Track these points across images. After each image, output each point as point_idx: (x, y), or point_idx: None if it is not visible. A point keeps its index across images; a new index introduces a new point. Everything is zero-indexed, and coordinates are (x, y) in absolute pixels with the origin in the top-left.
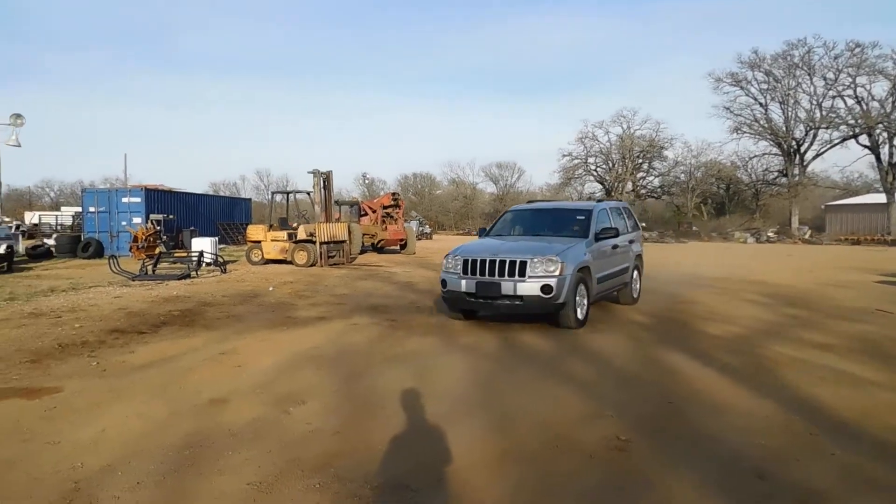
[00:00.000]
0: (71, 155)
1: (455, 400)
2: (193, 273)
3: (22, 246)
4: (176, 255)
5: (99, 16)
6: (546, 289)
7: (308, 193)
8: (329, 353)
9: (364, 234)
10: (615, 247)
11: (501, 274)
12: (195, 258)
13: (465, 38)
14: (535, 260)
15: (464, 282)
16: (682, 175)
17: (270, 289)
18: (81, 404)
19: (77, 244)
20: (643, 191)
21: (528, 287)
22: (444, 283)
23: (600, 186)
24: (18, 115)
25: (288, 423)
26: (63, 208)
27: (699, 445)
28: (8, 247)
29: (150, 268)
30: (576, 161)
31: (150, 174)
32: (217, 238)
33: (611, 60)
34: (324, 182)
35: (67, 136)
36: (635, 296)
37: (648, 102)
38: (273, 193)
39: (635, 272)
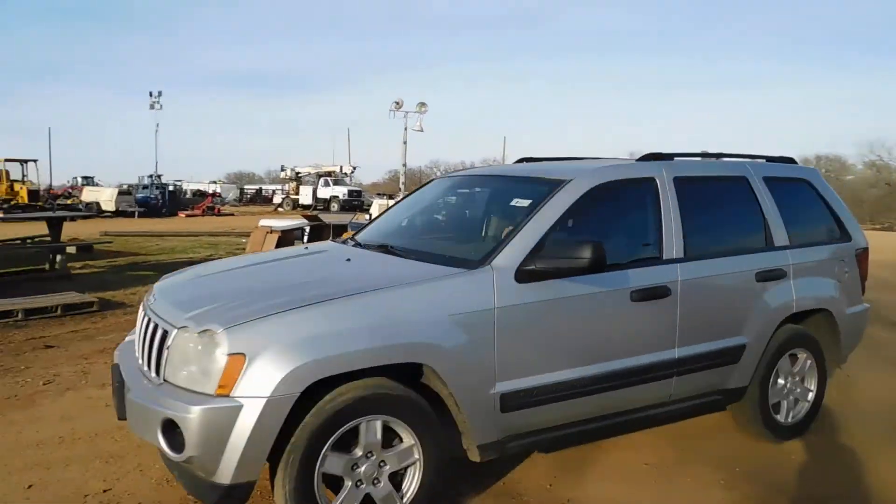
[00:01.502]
0: (455, 137)
1: (886, 420)
2: None
3: None
4: None
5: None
6: (171, 433)
7: None
8: None
9: None
10: (641, 293)
11: (149, 357)
12: None
13: None
14: (176, 334)
15: (117, 354)
16: None
17: None
18: None
19: None
20: None
21: (143, 417)
22: None
23: None
24: (423, 104)
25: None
26: None
27: None
28: None
29: None
30: None
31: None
32: None
33: None
34: None
35: (453, 119)
36: (784, 418)
37: None
38: None
39: (807, 362)
